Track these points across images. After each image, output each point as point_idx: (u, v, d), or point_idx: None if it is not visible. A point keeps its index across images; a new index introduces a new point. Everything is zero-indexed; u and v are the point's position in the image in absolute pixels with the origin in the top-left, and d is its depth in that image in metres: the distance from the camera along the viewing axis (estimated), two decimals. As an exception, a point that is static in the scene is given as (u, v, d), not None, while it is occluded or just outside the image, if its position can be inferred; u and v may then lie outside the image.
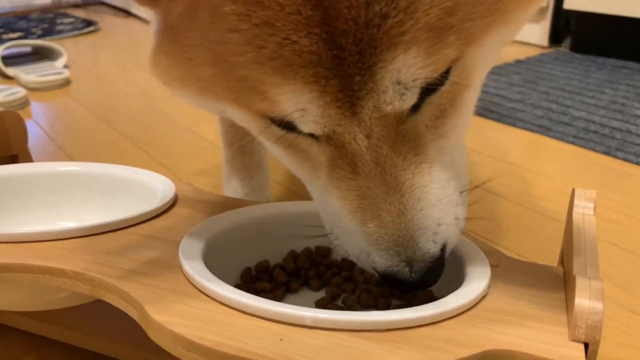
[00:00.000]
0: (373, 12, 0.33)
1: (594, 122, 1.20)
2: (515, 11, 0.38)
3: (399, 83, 0.35)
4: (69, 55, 1.76)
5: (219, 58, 0.38)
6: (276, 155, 0.45)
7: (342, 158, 0.39)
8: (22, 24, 2.40)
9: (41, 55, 1.79)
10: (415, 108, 0.38)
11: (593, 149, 1.08)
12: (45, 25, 2.33)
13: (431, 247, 0.40)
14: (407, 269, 0.40)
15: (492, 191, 0.93)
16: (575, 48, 1.78)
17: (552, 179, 0.97)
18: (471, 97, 0.41)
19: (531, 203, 0.88)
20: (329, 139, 0.39)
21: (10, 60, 1.70)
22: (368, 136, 0.38)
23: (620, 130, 1.15)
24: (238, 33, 0.35)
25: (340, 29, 0.34)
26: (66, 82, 1.56)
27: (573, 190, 0.52)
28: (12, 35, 2.16)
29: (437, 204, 0.40)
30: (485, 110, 1.28)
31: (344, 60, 0.35)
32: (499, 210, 0.87)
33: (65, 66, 1.69)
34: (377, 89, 0.36)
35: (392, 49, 0.34)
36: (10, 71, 1.60)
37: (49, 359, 0.57)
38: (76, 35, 2.19)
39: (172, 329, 0.39)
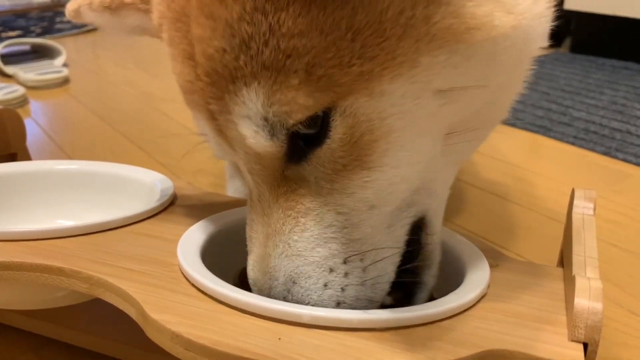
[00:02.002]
0: (214, 47, 0.36)
1: (594, 123, 1.19)
2: (418, 54, 0.34)
3: (248, 118, 0.36)
4: (68, 53, 1.76)
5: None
6: None
7: (250, 190, 0.43)
8: (22, 22, 2.39)
9: (40, 53, 1.79)
10: (300, 159, 0.37)
11: (593, 150, 1.08)
12: (45, 24, 2.33)
13: (279, 297, 0.40)
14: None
15: (492, 191, 0.93)
16: (575, 48, 1.78)
17: (552, 179, 0.97)
18: (391, 152, 0.36)
19: (531, 203, 0.88)
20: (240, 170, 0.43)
21: (9, 58, 1.69)
22: (250, 172, 0.40)
23: (620, 130, 1.15)
24: (171, 61, 0.42)
25: (198, 61, 0.38)
26: (65, 81, 1.56)
27: (573, 191, 0.52)
28: (11, 33, 2.16)
29: (292, 258, 0.38)
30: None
31: (203, 89, 0.38)
32: (498, 211, 0.87)
33: (64, 65, 1.69)
34: (232, 120, 0.37)
35: (236, 82, 0.36)
36: (9, 69, 1.60)
37: (47, 357, 0.57)
38: (75, 34, 2.18)
39: (170, 327, 0.38)
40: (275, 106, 0.35)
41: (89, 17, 0.54)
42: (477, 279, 0.44)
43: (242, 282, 0.53)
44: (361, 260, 0.39)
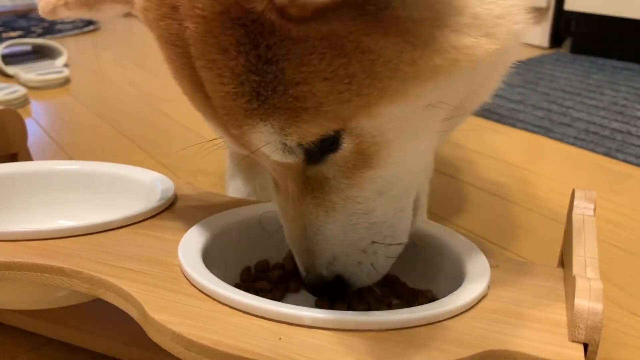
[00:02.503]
0: (225, 91, 0.39)
1: (594, 123, 1.20)
2: (406, 88, 0.39)
3: (268, 143, 0.40)
4: (69, 54, 1.76)
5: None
6: None
7: (272, 175, 0.46)
8: (23, 22, 2.40)
9: (41, 54, 1.79)
10: (317, 161, 0.42)
11: (593, 150, 1.08)
12: (46, 24, 2.33)
13: (323, 271, 0.45)
14: (305, 274, 0.46)
15: (492, 192, 0.93)
16: (575, 49, 1.78)
17: (552, 179, 0.97)
18: (393, 155, 0.42)
19: (531, 204, 0.88)
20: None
21: (10, 58, 1.70)
22: (274, 170, 0.44)
23: (620, 131, 1.15)
24: (173, 78, 0.45)
25: (210, 95, 0.40)
26: (66, 81, 1.56)
27: (573, 191, 0.52)
28: (12, 34, 2.16)
29: (332, 242, 0.45)
30: (485, 111, 1.28)
31: (220, 117, 0.41)
32: (498, 211, 0.87)
33: (65, 65, 1.69)
34: (253, 142, 0.41)
35: (252, 118, 0.39)
36: (10, 70, 1.60)
37: (48, 357, 0.57)
38: (76, 34, 2.19)
39: (171, 327, 0.39)
40: (291, 136, 0.39)
41: (66, 15, 0.55)
42: (477, 279, 0.44)
43: (243, 282, 0.53)
44: (384, 239, 0.46)
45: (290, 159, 0.41)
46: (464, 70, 0.40)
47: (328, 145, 0.41)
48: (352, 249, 0.45)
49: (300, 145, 0.40)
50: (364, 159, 0.42)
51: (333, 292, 0.46)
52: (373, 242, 0.45)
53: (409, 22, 0.37)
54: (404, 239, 0.47)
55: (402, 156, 0.43)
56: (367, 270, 0.46)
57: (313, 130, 0.39)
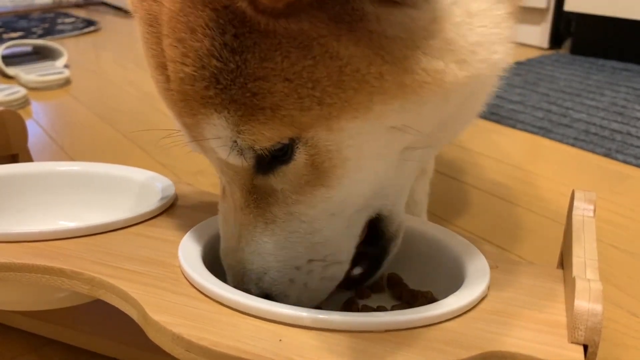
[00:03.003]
0: (184, 72, 0.38)
1: (594, 124, 1.20)
2: (371, 104, 0.38)
3: (219, 138, 0.39)
4: (70, 54, 1.76)
5: None
6: None
7: (219, 180, 0.46)
8: (23, 23, 2.40)
9: (42, 54, 1.79)
10: (267, 171, 0.41)
11: (593, 151, 1.08)
12: (46, 25, 2.33)
13: (251, 288, 0.44)
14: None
15: (492, 192, 0.93)
16: (575, 50, 1.78)
17: (552, 180, 0.97)
18: (350, 175, 0.41)
19: (531, 204, 0.89)
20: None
21: (10, 59, 1.70)
22: (223, 173, 0.43)
23: (620, 132, 1.15)
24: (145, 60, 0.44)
25: (170, 77, 0.40)
26: (66, 82, 1.56)
27: (573, 192, 0.52)
28: (12, 34, 2.16)
29: (265, 257, 0.43)
30: (485, 112, 1.28)
31: (176, 103, 0.40)
32: (498, 212, 0.87)
33: (66, 66, 1.69)
34: (203, 135, 0.40)
35: (207, 106, 0.38)
36: (11, 70, 1.60)
37: (48, 358, 0.57)
38: (77, 35, 2.19)
39: (171, 328, 0.39)
40: (244, 134, 0.38)
41: None
42: (477, 280, 0.44)
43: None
44: (323, 260, 0.44)
45: (239, 162, 0.40)
46: (432, 94, 0.39)
47: (281, 154, 0.40)
48: (284, 265, 0.43)
49: (251, 148, 0.39)
50: (317, 175, 0.40)
51: None
52: (310, 261, 0.44)
53: (382, 38, 0.37)
54: (345, 259, 0.45)
55: (358, 177, 0.41)
56: (299, 291, 0.44)
57: (267, 134, 0.38)
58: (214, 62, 0.37)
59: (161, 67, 0.41)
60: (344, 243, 0.45)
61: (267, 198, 0.42)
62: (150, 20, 0.41)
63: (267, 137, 0.38)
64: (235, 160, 0.40)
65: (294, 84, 0.36)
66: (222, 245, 0.46)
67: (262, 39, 0.36)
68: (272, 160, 0.40)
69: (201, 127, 0.40)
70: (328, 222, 0.43)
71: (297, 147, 0.39)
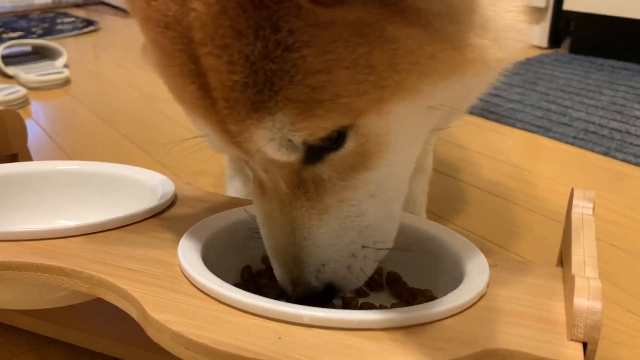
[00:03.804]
0: (233, 80, 0.36)
1: (593, 123, 1.20)
2: (421, 84, 0.38)
3: (272, 139, 0.38)
4: (69, 54, 1.76)
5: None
6: None
7: (256, 178, 0.44)
8: (23, 23, 2.40)
9: (41, 54, 1.79)
10: (315, 160, 0.40)
11: (592, 150, 1.08)
12: (46, 25, 2.33)
13: (312, 281, 0.43)
14: (290, 288, 0.44)
15: (492, 191, 0.93)
16: (574, 49, 1.78)
17: (551, 179, 0.98)
18: (390, 156, 0.42)
19: (530, 203, 0.89)
20: (245, 160, 0.43)
21: (10, 59, 1.70)
22: (266, 171, 0.42)
23: (619, 131, 1.15)
24: (155, 65, 0.41)
25: (212, 85, 0.37)
26: (66, 82, 1.56)
27: (572, 191, 0.52)
28: (12, 34, 2.16)
29: (323, 247, 0.43)
30: (484, 111, 1.28)
31: (220, 111, 0.38)
32: (497, 210, 0.87)
33: (65, 66, 1.70)
34: (254, 139, 0.38)
35: (258, 111, 0.37)
36: (11, 70, 1.60)
37: (48, 357, 0.57)
38: (76, 35, 2.19)
39: (170, 327, 0.39)
40: (300, 131, 0.37)
41: None
42: (477, 278, 0.44)
43: (243, 281, 0.53)
44: (374, 245, 0.45)
45: (289, 157, 0.39)
46: (475, 73, 0.40)
47: (331, 142, 0.39)
48: (341, 254, 0.43)
49: (305, 142, 0.38)
50: (363, 159, 0.41)
51: (320, 302, 0.44)
52: (363, 247, 0.44)
53: (429, 15, 0.37)
54: (391, 245, 0.46)
55: (396, 158, 0.42)
56: (356, 274, 0.45)
57: (323, 125, 0.37)
58: (269, 64, 0.35)
59: (192, 76, 0.38)
60: (390, 226, 0.46)
61: (317, 189, 0.42)
62: (167, 23, 0.37)
63: (323, 128, 0.37)
64: (285, 156, 0.39)
65: (352, 71, 0.36)
66: (269, 243, 0.45)
67: (321, 32, 0.34)
68: (321, 149, 0.40)
69: (250, 133, 0.38)
70: (371, 205, 0.43)
71: (349, 135, 0.39)
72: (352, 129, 0.39)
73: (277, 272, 0.45)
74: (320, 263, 0.43)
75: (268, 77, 0.35)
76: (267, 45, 0.34)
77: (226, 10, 0.34)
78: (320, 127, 0.37)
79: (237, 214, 0.55)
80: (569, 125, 1.19)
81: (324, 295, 0.44)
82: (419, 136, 0.44)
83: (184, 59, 0.37)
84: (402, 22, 0.36)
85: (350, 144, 0.39)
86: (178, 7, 0.36)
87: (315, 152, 0.40)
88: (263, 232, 0.45)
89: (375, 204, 0.43)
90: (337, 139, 0.39)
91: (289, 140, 0.38)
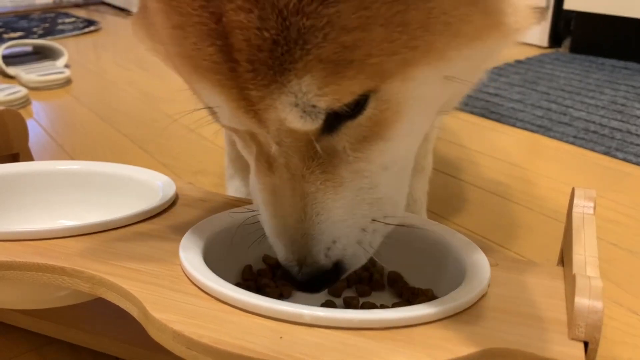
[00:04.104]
0: (263, 38, 0.34)
1: (593, 123, 1.20)
2: (448, 48, 0.38)
3: (296, 105, 0.36)
4: (70, 54, 1.76)
5: (165, 44, 0.40)
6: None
7: (262, 154, 0.42)
8: (24, 23, 2.40)
9: (42, 54, 1.79)
10: (331, 130, 0.39)
11: (593, 149, 1.08)
12: (47, 25, 2.34)
13: (321, 259, 0.41)
14: (296, 269, 0.42)
15: (492, 191, 0.93)
16: (575, 48, 1.78)
17: (552, 178, 0.98)
18: (405, 126, 0.41)
19: (531, 203, 0.89)
20: (252, 135, 0.41)
21: (11, 59, 1.70)
22: (279, 144, 0.39)
23: (620, 130, 1.15)
24: (164, 29, 0.38)
25: (236, 46, 0.35)
26: (67, 82, 1.56)
27: (573, 190, 0.52)
28: (13, 34, 2.16)
29: (336, 223, 0.41)
30: (485, 111, 1.28)
31: (241, 74, 0.36)
32: (498, 210, 0.87)
33: (66, 66, 1.70)
34: (275, 106, 0.37)
35: (285, 74, 0.35)
36: (11, 70, 1.60)
37: (49, 357, 0.57)
38: (77, 35, 2.19)
39: (172, 326, 0.39)
40: (326, 96, 0.35)
41: None
42: (478, 278, 0.44)
43: (244, 281, 0.53)
44: (384, 218, 0.43)
45: (309, 126, 0.37)
46: (495, 39, 0.40)
47: (351, 109, 0.37)
48: (353, 229, 0.42)
49: (329, 107, 0.36)
50: (378, 128, 0.39)
51: (328, 282, 0.43)
52: (373, 220, 0.42)
53: None
54: (399, 219, 0.45)
55: (410, 129, 0.41)
56: (364, 252, 0.43)
57: (351, 89, 0.36)
58: (302, 20, 0.33)
59: (211, 37, 0.35)
60: (399, 198, 0.45)
61: (331, 160, 0.40)
62: None
63: (351, 92, 0.36)
64: (306, 125, 0.37)
65: (387, 28, 0.35)
66: (275, 222, 0.42)
67: None
68: (340, 117, 0.38)
69: (273, 98, 0.36)
70: (383, 177, 0.42)
71: (370, 99, 0.38)
72: (374, 95, 0.37)
73: (282, 252, 0.42)
74: (331, 240, 0.41)
75: (300, 35, 0.33)
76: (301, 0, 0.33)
77: None
78: (347, 91, 0.36)
79: (237, 214, 0.55)
80: (570, 125, 1.19)
81: (332, 274, 0.42)
82: (432, 109, 0.43)
83: (204, 17, 0.35)
84: None
85: (369, 111, 0.38)
86: None
87: (333, 121, 0.38)
88: (267, 211, 0.42)
89: (388, 176, 0.42)
90: (356, 105, 0.38)
91: (313, 106, 0.36)
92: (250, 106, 0.37)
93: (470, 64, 0.42)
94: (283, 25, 0.33)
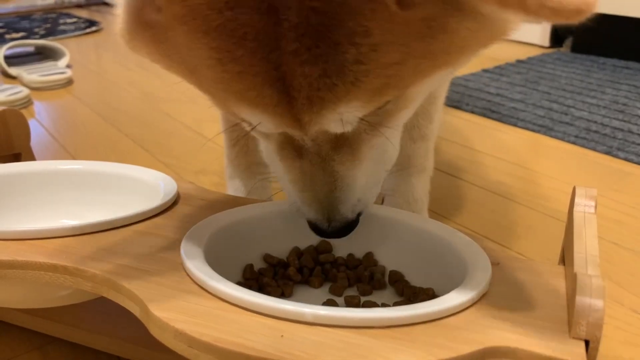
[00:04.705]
0: (324, 83, 0.38)
1: (595, 122, 1.20)
2: (461, 57, 0.44)
3: (341, 121, 0.42)
4: (72, 55, 1.77)
5: (197, 72, 0.43)
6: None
7: (290, 142, 0.47)
8: (25, 24, 2.40)
9: (44, 55, 1.79)
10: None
11: (594, 149, 1.08)
12: (48, 25, 2.34)
13: (349, 214, 0.49)
14: (326, 224, 0.49)
15: (493, 190, 0.93)
16: (576, 48, 1.78)
17: (553, 178, 0.98)
18: (410, 109, 0.48)
19: (532, 202, 0.89)
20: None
21: (13, 59, 1.70)
22: (314, 140, 0.45)
23: (621, 130, 1.15)
24: (208, 69, 0.40)
25: (296, 87, 0.39)
26: (69, 82, 1.56)
27: (574, 189, 0.52)
28: (15, 35, 2.17)
29: (362, 187, 0.49)
30: (486, 110, 1.28)
31: (295, 107, 0.40)
32: (499, 209, 0.87)
33: (68, 66, 1.70)
34: (322, 122, 0.42)
35: (337, 102, 0.40)
36: (13, 71, 1.60)
37: (51, 356, 0.57)
38: (79, 35, 2.19)
39: (173, 325, 0.39)
40: (366, 110, 0.42)
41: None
42: (479, 277, 0.44)
43: (245, 279, 0.53)
44: (388, 170, 0.53)
45: (346, 130, 0.43)
46: (494, 42, 0.44)
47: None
48: (371, 187, 0.51)
49: (365, 116, 0.42)
50: (390, 115, 0.45)
51: (352, 229, 0.50)
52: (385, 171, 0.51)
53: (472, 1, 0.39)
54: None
55: (414, 108, 0.49)
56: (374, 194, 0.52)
57: (384, 100, 0.42)
58: (359, 66, 0.38)
59: (270, 80, 0.39)
60: (396, 153, 0.53)
61: (355, 142, 0.46)
62: (245, 34, 0.37)
63: (383, 102, 0.42)
64: (343, 129, 0.43)
65: (419, 60, 0.40)
66: (305, 195, 0.48)
67: (401, 29, 0.38)
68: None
69: (321, 118, 0.41)
70: (389, 144, 0.50)
71: (390, 101, 0.44)
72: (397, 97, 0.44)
73: (312, 215, 0.49)
74: (356, 199, 0.49)
75: (357, 77, 0.38)
76: (360, 50, 0.37)
77: (324, 23, 0.36)
78: (381, 103, 0.42)
79: (238, 213, 0.55)
80: (571, 124, 1.19)
81: (355, 222, 0.50)
82: (433, 87, 0.50)
83: (264, 66, 0.38)
84: (459, 15, 0.39)
85: (387, 106, 0.44)
86: (263, 17, 0.37)
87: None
88: (297, 186, 0.49)
89: (394, 137, 0.51)
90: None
91: (352, 117, 0.42)
92: (297, 123, 0.42)
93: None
94: (342, 72, 0.38)
